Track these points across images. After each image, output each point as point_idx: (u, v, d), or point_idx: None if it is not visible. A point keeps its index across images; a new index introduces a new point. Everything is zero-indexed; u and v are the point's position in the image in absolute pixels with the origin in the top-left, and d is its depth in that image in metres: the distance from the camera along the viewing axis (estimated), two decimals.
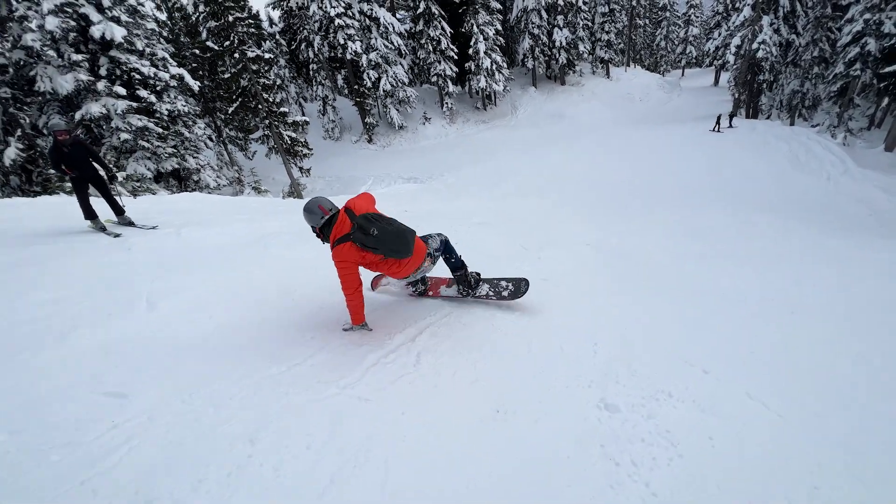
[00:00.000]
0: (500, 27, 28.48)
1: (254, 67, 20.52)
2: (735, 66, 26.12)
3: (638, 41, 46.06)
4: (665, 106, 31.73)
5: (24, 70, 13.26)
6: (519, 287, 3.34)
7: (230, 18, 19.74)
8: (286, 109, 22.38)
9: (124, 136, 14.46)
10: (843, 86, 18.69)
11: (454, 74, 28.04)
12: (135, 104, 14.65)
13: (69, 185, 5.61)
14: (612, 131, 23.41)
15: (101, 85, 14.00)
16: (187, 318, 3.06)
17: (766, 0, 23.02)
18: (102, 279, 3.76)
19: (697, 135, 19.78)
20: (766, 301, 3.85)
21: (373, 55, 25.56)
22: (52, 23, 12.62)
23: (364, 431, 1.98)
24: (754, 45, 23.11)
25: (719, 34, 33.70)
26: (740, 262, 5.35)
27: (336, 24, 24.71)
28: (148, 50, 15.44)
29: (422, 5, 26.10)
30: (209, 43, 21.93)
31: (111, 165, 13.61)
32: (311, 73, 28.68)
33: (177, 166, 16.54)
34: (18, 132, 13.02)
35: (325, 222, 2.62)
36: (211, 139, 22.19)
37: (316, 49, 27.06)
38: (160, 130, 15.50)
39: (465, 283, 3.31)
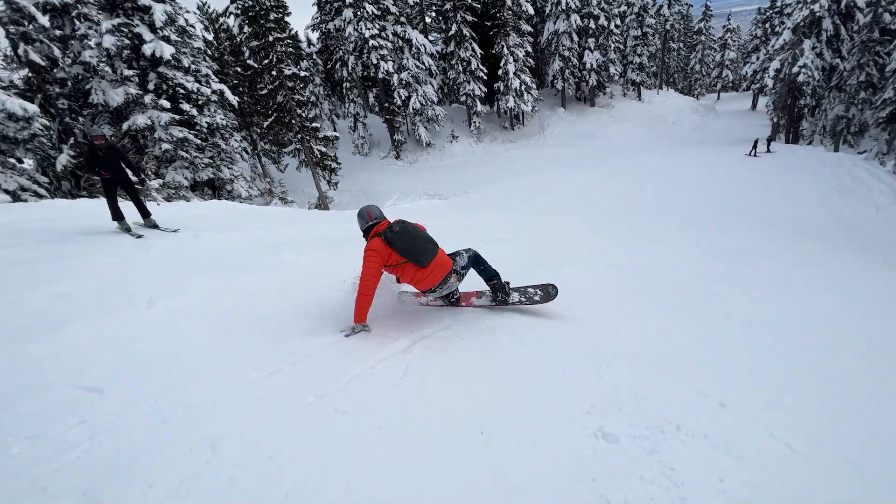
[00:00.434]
0: (530, 49, 28.76)
1: (290, 84, 21.44)
2: (774, 90, 25.23)
3: (671, 64, 45.45)
4: (699, 129, 30.91)
5: (80, 84, 14.30)
6: (548, 292, 3.43)
7: (270, 38, 20.80)
8: (318, 125, 23.17)
9: (165, 146, 15.27)
10: (893, 111, 17.65)
11: (483, 94, 28.38)
12: (177, 116, 15.50)
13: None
14: (642, 153, 22.91)
15: (147, 98, 14.91)
16: (183, 319, 3.04)
17: (809, 24, 22.27)
18: (113, 277, 3.84)
19: (732, 159, 19.04)
20: (803, 333, 3.50)
21: (404, 75, 26.25)
22: (108, 41, 13.64)
23: (334, 445, 1.84)
24: (794, 69, 22.28)
25: (757, 58, 32.82)
26: (774, 290, 4.95)
27: (370, 44, 25.61)
28: (193, 67, 16.40)
29: (454, 27, 26.75)
30: (250, 61, 23.14)
31: (149, 172, 14.41)
32: (344, 90, 29.69)
33: (212, 176, 17.28)
34: (71, 140, 13.96)
35: (369, 227, 2.99)
36: (246, 151, 23.20)
37: (350, 68, 28.07)
38: (199, 142, 16.30)
39: (501, 290, 3.38)
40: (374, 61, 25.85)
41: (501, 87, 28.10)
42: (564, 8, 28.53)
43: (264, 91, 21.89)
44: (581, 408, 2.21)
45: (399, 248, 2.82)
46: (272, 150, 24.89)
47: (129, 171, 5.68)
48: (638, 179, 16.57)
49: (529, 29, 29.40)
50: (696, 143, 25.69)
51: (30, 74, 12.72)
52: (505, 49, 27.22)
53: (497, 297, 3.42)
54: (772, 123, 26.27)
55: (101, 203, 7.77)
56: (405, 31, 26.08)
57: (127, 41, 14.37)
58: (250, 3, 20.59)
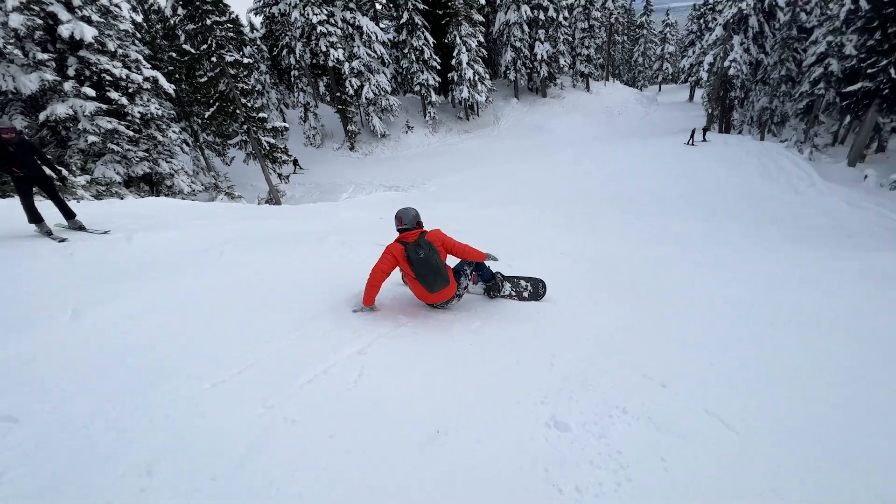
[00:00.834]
0: (482, 39, 28.81)
1: (232, 72, 20.15)
2: (708, 83, 26.97)
3: (617, 57, 47.32)
4: (642, 120, 32.50)
5: None
6: (537, 289, 3.71)
7: (208, 21, 19.39)
8: (265, 115, 22.02)
9: (92, 138, 13.89)
10: (809, 104, 19.43)
11: (437, 84, 28.16)
12: (104, 106, 14.12)
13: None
14: (591, 143, 23.80)
15: (68, 85, 13.46)
16: (113, 330, 2.79)
17: (737, 21, 23.91)
18: (30, 288, 3.45)
19: (673, 148, 20.22)
20: (735, 306, 3.77)
21: (355, 63, 25.47)
22: (16, 20, 12.13)
23: (284, 458, 1.76)
24: (726, 63, 23.92)
25: (693, 52, 34.86)
26: (712, 268, 5.31)
27: (318, 31, 24.57)
28: (120, 51, 14.97)
29: (405, 15, 26.23)
30: (186, 46, 21.51)
31: (73, 167, 13.09)
32: (292, 79, 28.40)
33: (148, 171, 15.99)
34: None
35: (399, 230, 3.24)
36: (187, 143, 21.64)
37: (297, 56, 26.84)
38: (131, 134, 14.98)
39: (495, 289, 3.73)
40: (324, 48, 24.88)
41: (455, 77, 28.02)
42: None
43: (204, 79, 20.44)
44: (535, 399, 2.27)
45: (416, 270, 3.09)
46: (216, 142, 23.39)
47: (45, 168, 5.13)
48: (588, 170, 17.21)
49: (481, 19, 29.43)
50: (641, 134, 27.01)
51: None
52: (458, 38, 27.09)
53: (490, 294, 3.75)
54: (707, 114, 28.12)
55: (15, 203, 6.96)
56: (354, 18, 25.25)
57: (39, 21, 12.84)
58: None
